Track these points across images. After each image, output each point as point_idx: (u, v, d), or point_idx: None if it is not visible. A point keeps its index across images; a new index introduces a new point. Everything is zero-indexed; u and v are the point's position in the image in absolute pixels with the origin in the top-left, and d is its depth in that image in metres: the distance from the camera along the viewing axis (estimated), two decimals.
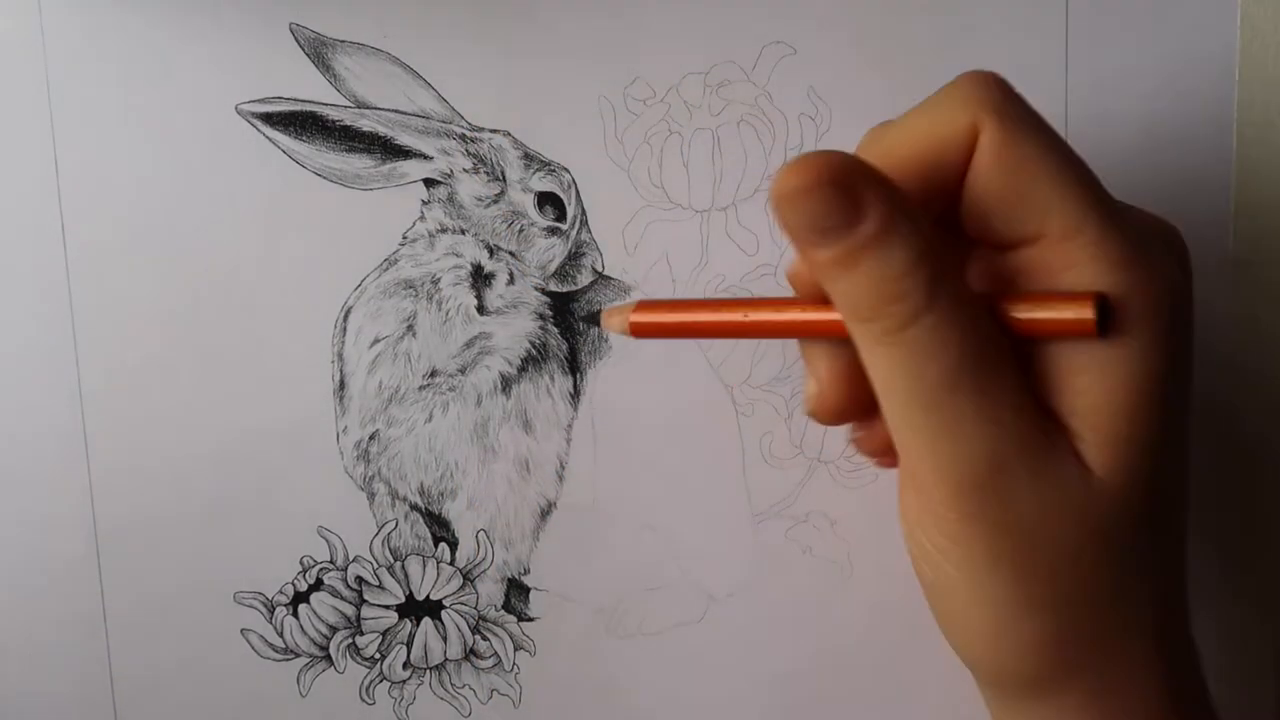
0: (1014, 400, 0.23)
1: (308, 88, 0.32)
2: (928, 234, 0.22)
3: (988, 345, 0.22)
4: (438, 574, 0.34)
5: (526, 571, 0.34)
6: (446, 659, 0.34)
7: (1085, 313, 0.22)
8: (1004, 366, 0.23)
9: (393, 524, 0.34)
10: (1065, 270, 0.22)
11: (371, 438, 0.33)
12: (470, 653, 0.34)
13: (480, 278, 0.33)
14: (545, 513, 0.34)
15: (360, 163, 0.32)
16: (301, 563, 0.34)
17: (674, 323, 0.26)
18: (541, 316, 0.33)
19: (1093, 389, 0.23)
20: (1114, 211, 0.22)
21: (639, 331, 0.27)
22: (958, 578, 0.24)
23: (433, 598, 0.34)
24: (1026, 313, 0.23)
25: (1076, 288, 0.22)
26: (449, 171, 0.32)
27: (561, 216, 0.32)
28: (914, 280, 0.22)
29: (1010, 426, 0.22)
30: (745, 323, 0.25)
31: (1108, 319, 0.22)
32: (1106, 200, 0.23)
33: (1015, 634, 0.24)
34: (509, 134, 0.32)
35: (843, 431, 0.30)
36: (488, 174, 0.32)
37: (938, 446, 0.23)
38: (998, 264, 0.24)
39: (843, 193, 0.21)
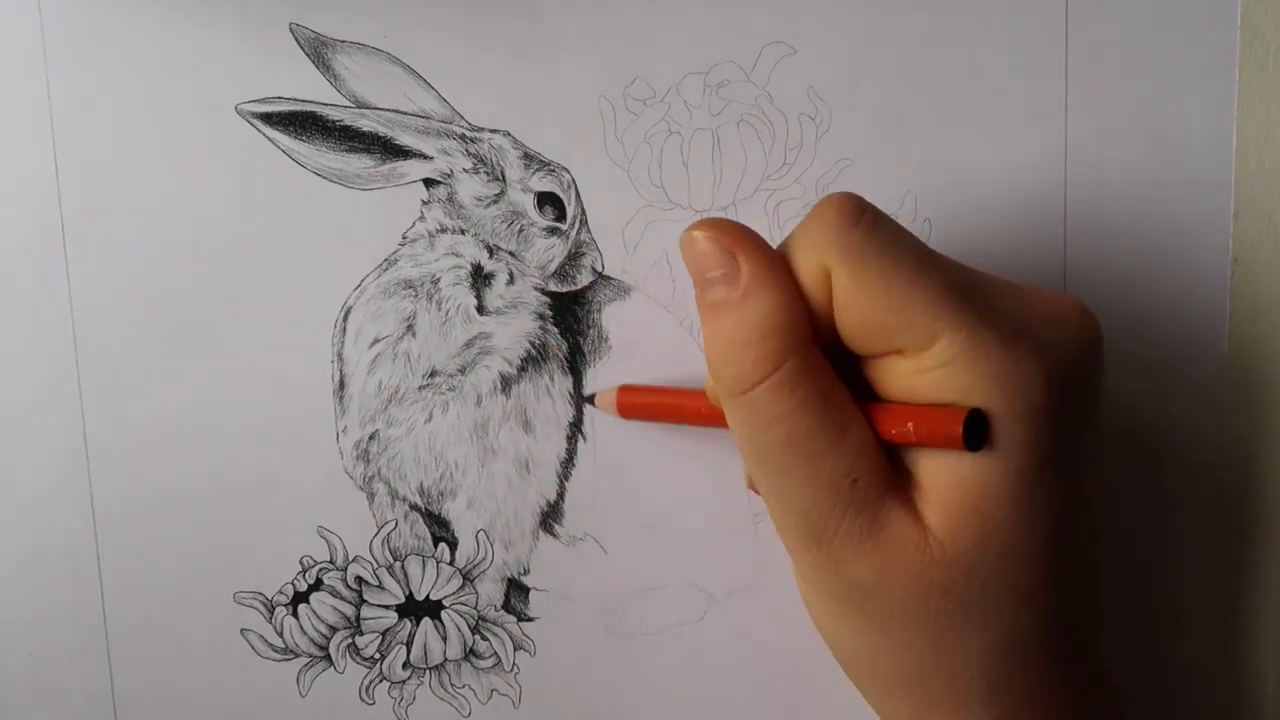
0: (851, 468, 0.25)
1: (308, 88, 0.32)
2: (786, 312, 0.25)
3: (826, 420, 0.25)
4: (437, 574, 0.34)
5: (526, 571, 0.34)
6: (446, 659, 0.34)
7: (955, 429, 0.24)
8: (843, 438, 0.25)
9: (392, 524, 0.34)
10: (921, 374, 0.24)
11: (371, 438, 0.33)
12: (470, 653, 0.34)
13: (480, 278, 0.33)
14: (545, 513, 0.34)
15: (360, 163, 0.32)
16: (301, 563, 0.34)
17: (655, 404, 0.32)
18: (541, 316, 0.33)
19: (934, 468, 0.25)
20: (966, 314, 0.24)
21: (625, 412, 0.32)
22: (818, 613, 0.27)
23: (433, 598, 0.34)
24: (900, 427, 0.25)
25: (937, 393, 0.24)
26: (449, 171, 0.32)
27: (561, 216, 0.32)
28: (758, 348, 0.25)
29: (844, 494, 0.25)
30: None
31: (980, 436, 0.24)
32: (959, 304, 0.24)
33: (878, 668, 0.26)
34: (509, 134, 0.32)
35: None
36: (488, 174, 0.32)
37: (778, 504, 0.26)
38: (877, 371, 0.26)
39: (724, 249, 0.25)
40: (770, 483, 0.26)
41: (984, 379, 0.24)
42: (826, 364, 0.25)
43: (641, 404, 0.32)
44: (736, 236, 0.26)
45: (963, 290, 0.24)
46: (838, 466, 0.25)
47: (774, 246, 0.26)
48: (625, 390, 0.32)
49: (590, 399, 0.33)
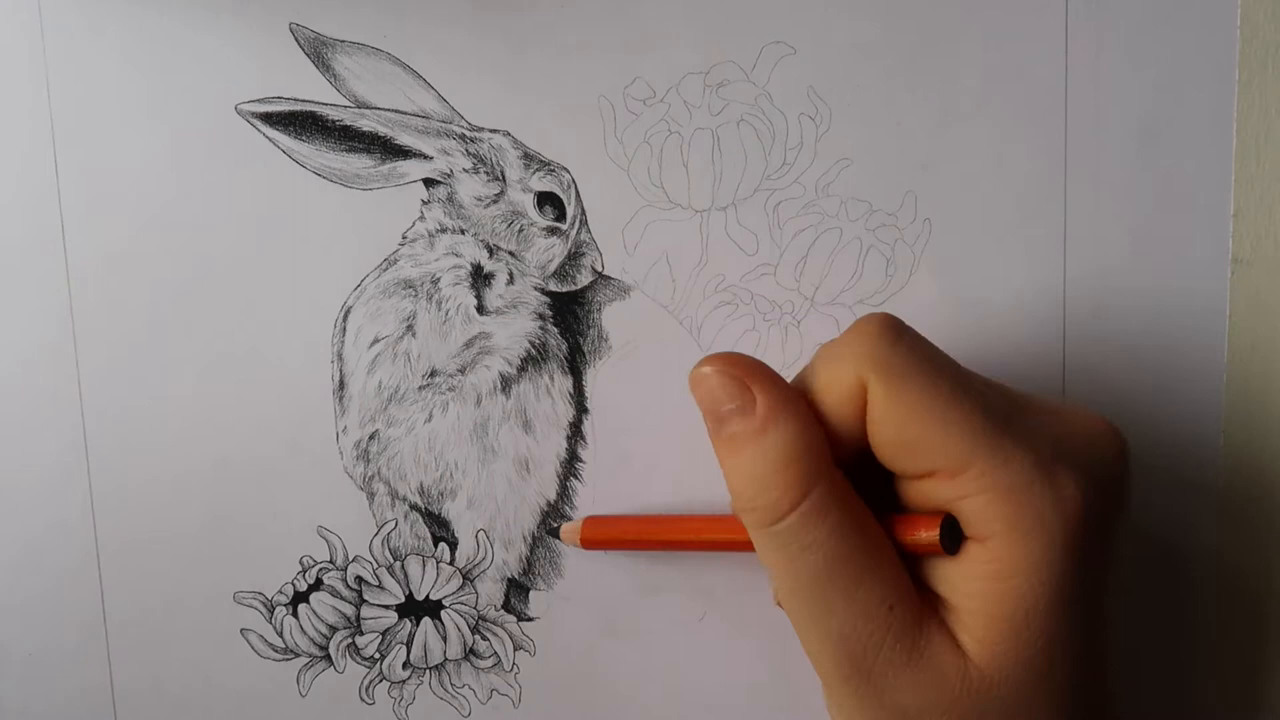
0: (886, 595, 0.25)
1: (308, 88, 0.32)
2: (807, 439, 0.25)
3: (860, 545, 0.25)
4: (437, 574, 0.34)
5: (526, 571, 0.34)
6: (446, 659, 0.34)
7: (933, 534, 0.25)
8: (878, 564, 0.25)
9: (392, 524, 0.34)
10: (959, 500, 0.24)
11: (371, 437, 0.33)
12: (470, 653, 0.34)
13: (480, 277, 0.33)
14: (545, 513, 0.34)
15: (360, 163, 0.32)
16: (301, 563, 0.34)
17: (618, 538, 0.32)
18: (541, 316, 0.33)
19: (975, 595, 0.25)
20: (1002, 442, 0.24)
21: (588, 544, 0.32)
22: None
23: (432, 598, 0.34)
24: (895, 533, 0.26)
25: (970, 517, 0.25)
26: (449, 171, 0.32)
27: (561, 216, 0.32)
28: (783, 477, 0.25)
29: (881, 620, 0.25)
30: (684, 539, 0.31)
31: (956, 540, 0.25)
32: (995, 432, 0.24)
33: None
34: (509, 134, 0.32)
35: None
36: (487, 174, 0.32)
37: (814, 633, 0.26)
38: (910, 490, 0.26)
39: (737, 381, 0.25)
40: (806, 612, 0.26)
41: (1022, 506, 0.24)
42: (851, 488, 0.26)
43: (606, 537, 0.32)
44: (747, 368, 0.26)
45: (1000, 415, 0.24)
46: (874, 592, 0.25)
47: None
48: (590, 522, 0.32)
49: (555, 532, 0.33)
